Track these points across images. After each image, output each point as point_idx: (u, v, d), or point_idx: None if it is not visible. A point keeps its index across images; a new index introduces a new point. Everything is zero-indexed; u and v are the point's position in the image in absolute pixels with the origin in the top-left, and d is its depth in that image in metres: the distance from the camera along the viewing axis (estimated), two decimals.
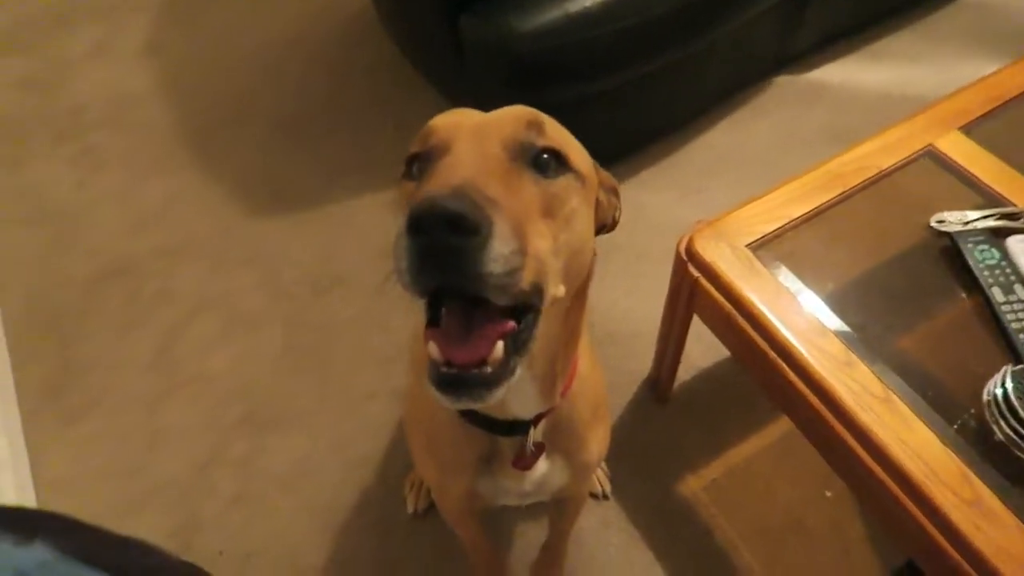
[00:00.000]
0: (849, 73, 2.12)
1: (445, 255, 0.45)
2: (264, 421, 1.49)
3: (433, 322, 0.54)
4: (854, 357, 0.95)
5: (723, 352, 1.39)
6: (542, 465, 0.80)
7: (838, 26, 2.14)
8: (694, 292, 1.10)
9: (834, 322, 0.99)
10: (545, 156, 0.56)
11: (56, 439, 1.49)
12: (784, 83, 2.10)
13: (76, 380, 1.59)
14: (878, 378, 0.93)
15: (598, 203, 0.66)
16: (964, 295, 1.03)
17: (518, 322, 0.53)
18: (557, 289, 0.56)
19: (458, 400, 0.51)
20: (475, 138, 0.56)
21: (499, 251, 0.46)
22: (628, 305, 1.61)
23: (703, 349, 1.51)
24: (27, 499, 1.38)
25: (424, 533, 1.31)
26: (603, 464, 1.35)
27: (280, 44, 2.37)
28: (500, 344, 0.52)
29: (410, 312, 1.65)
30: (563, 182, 0.57)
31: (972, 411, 0.93)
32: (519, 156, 0.56)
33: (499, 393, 0.52)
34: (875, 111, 1.99)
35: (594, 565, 1.26)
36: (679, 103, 1.92)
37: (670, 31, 1.62)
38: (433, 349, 0.52)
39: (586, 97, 1.65)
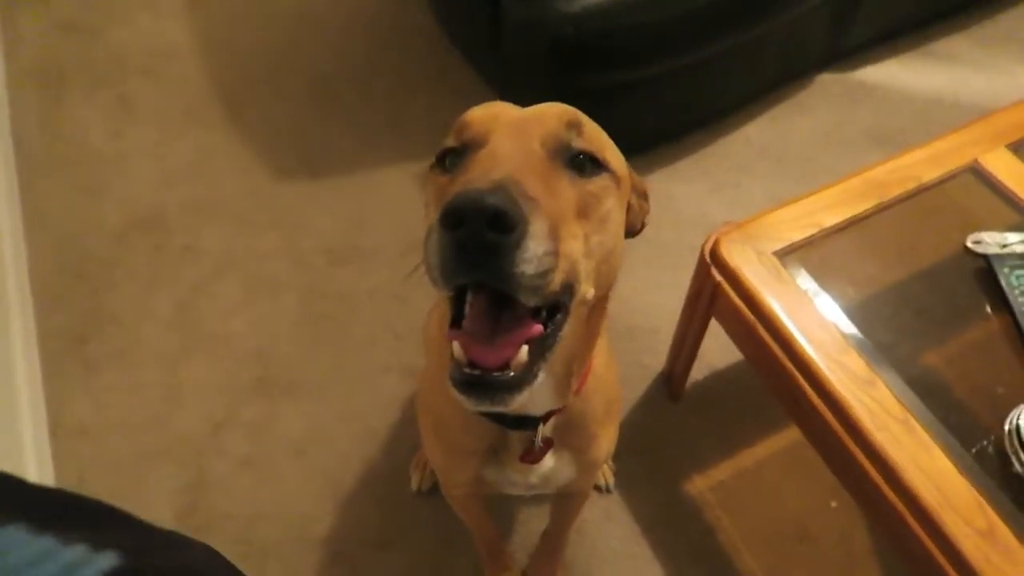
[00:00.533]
0: (899, 74, 2.04)
1: (479, 251, 0.44)
2: (278, 386, 1.50)
3: (457, 320, 0.53)
4: (875, 375, 0.93)
5: (740, 354, 1.38)
6: (549, 460, 0.80)
7: (892, 23, 2.06)
8: (715, 296, 1.08)
9: (858, 338, 0.97)
10: (582, 157, 0.56)
11: (77, 386, 1.52)
12: (830, 80, 2.04)
13: (100, 329, 1.62)
14: (898, 399, 0.91)
15: (629, 206, 0.66)
16: (995, 319, 1.00)
17: (545, 324, 0.52)
18: (587, 291, 0.55)
19: (479, 402, 0.51)
20: (514, 133, 0.55)
21: (534, 251, 0.45)
22: (649, 299, 1.59)
23: (720, 348, 1.49)
24: (42, 444, 1.41)
25: (427, 511, 1.32)
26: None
27: (322, 3, 2.35)
28: (525, 348, 0.51)
29: (429, 290, 1.65)
30: (599, 183, 0.56)
31: (992, 438, 0.91)
32: (557, 155, 0.55)
33: (521, 398, 0.51)
34: (923, 116, 1.93)
35: (594, 556, 1.26)
36: (720, 94, 1.87)
37: (719, 21, 1.57)
38: (457, 349, 0.51)
39: (626, 83, 1.62)
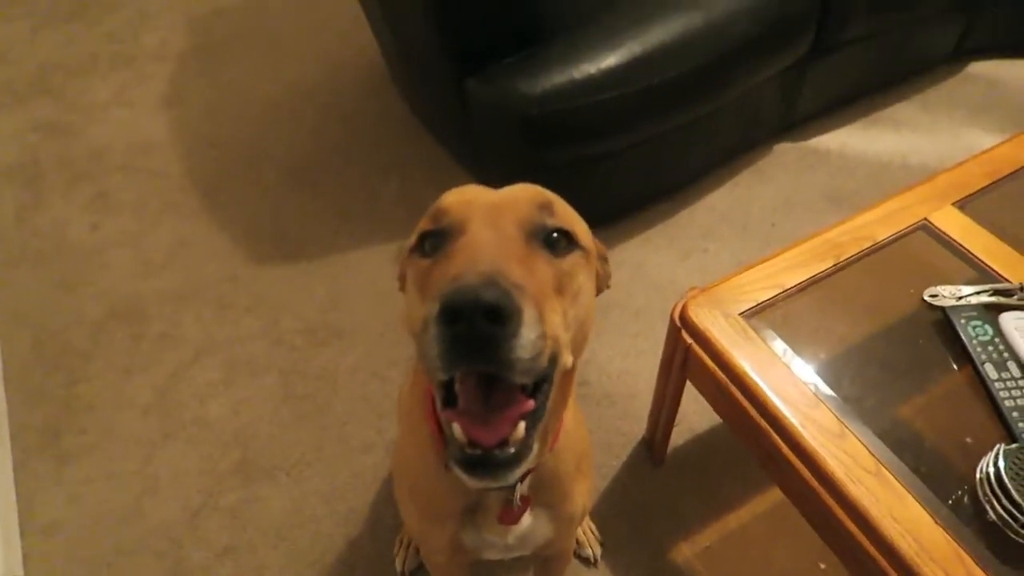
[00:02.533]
0: (850, 140, 2.15)
1: (477, 342, 0.47)
2: (259, 469, 1.49)
3: (448, 400, 0.55)
4: (846, 429, 0.95)
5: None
6: (526, 519, 0.81)
7: (839, 92, 2.18)
8: (688, 358, 1.10)
9: (827, 393, 0.99)
10: (556, 235, 0.59)
11: (51, 481, 1.49)
12: (786, 148, 2.14)
13: (75, 421, 1.60)
14: (869, 451, 0.93)
15: (597, 273, 0.69)
16: (957, 369, 1.03)
17: (534, 396, 0.55)
18: (568, 360, 0.58)
19: (482, 480, 0.53)
20: (491, 219, 0.58)
21: (528, 338, 0.48)
22: (624, 366, 1.62)
23: (699, 411, 1.51)
24: (12, 544, 1.37)
25: None
26: (593, 527, 1.34)
27: (295, 94, 2.44)
28: (522, 425, 0.54)
29: (406, 366, 1.66)
30: (572, 260, 0.60)
31: (966, 487, 0.92)
32: (533, 236, 0.58)
33: (520, 471, 0.54)
34: (875, 177, 2.02)
35: None
36: (683, 165, 1.96)
37: (675, 97, 1.66)
38: (457, 431, 0.53)
39: (592, 157, 1.69)
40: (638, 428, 1.51)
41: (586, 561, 1.31)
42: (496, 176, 1.89)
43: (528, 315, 0.48)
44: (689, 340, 1.08)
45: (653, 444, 1.42)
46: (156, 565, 1.36)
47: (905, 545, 0.85)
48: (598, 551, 1.31)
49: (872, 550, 0.87)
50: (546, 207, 0.60)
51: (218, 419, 1.58)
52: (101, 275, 1.94)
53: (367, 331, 1.74)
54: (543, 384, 0.56)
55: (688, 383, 1.20)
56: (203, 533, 1.39)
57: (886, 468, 0.91)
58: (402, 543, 1.32)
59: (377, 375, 1.64)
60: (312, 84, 2.48)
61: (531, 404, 0.54)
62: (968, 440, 0.97)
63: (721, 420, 1.49)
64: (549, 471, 0.79)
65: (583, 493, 0.87)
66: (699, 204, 2.00)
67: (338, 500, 1.43)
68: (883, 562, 0.86)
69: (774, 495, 1.40)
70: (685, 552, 1.33)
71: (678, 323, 1.11)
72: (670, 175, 1.97)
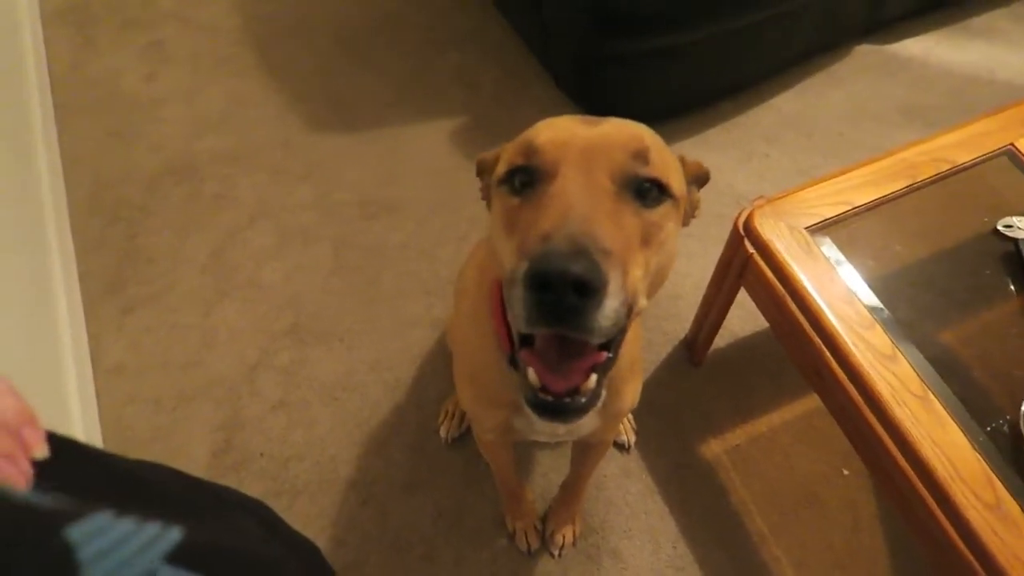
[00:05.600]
0: (937, 47, 2.03)
1: (562, 310, 0.48)
2: (311, 333, 1.55)
3: (526, 341, 0.57)
4: (898, 352, 0.96)
5: (762, 323, 1.41)
6: None
7: None
8: (746, 267, 1.11)
9: (882, 314, 1.00)
10: (648, 184, 0.58)
11: (116, 327, 1.58)
12: (865, 52, 2.02)
13: (137, 272, 1.66)
14: (918, 375, 0.94)
15: (684, 210, 0.68)
16: (1018, 302, 1.03)
17: (607, 347, 0.57)
18: (642, 304, 0.58)
19: (551, 422, 0.56)
20: (584, 164, 0.57)
21: (611, 306, 0.49)
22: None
23: (743, 317, 1.53)
24: (86, 384, 1.47)
25: (453, 458, 1.38)
26: (630, 417, 1.40)
27: None
28: (593, 376, 0.56)
29: (457, 247, 1.68)
30: (662, 210, 0.59)
31: (1008, 417, 0.94)
32: (625, 187, 0.57)
33: (582, 420, 0.57)
34: (958, 94, 1.92)
35: (611, 509, 1.32)
36: (753, 63, 1.87)
37: None
38: (532, 375, 0.56)
39: (661, 49, 1.62)
40: (679, 328, 1.53)
41: (620, 447, 1.38)
42: (559, 61, 1.83)
43: (613, 285, 0.49)
44: (751, 250, 1.08)
45: (694, 345, 1.45)
46: (215, 412, 1.46)
47: (939, 466, 0.88)
48: (633, 439, 1.37)
49: (907, 468, 0.90)
50: (641, 155, 0.58)
51: (271, 283, 1.64)
52: (156, 129, 1.95)
53: (418, 208, 1.75)
54: (617, 335, 0.57)
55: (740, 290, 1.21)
56: (259, 387, 1.48)
57: (933, 393, 0.93)
58: (447, 413, 1.40)
59: (426, 253, 1.67)
60: None
61: (604, 356, 0.57)
62: (1017, 374, 0.98)
63: (763, 328, 1.53)
64: None
65: (633, 391, 0.91)
66: (764, 106, 1.93)
67: (385, 369, 1.50)
68: (915, 479, 0.90)
69: (804, 405, 1.44)
70: (714, 448, 1.39)
71: (741, 231, 1.10)
72: (738, 74, 1.88)
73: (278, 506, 1.33)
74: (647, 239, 0.57)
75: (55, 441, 0.50)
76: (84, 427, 1.39)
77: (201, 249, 1.70)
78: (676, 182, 0.62)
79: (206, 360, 1.53)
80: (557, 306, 0.48)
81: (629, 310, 0.54)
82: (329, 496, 1.35)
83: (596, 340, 0.51)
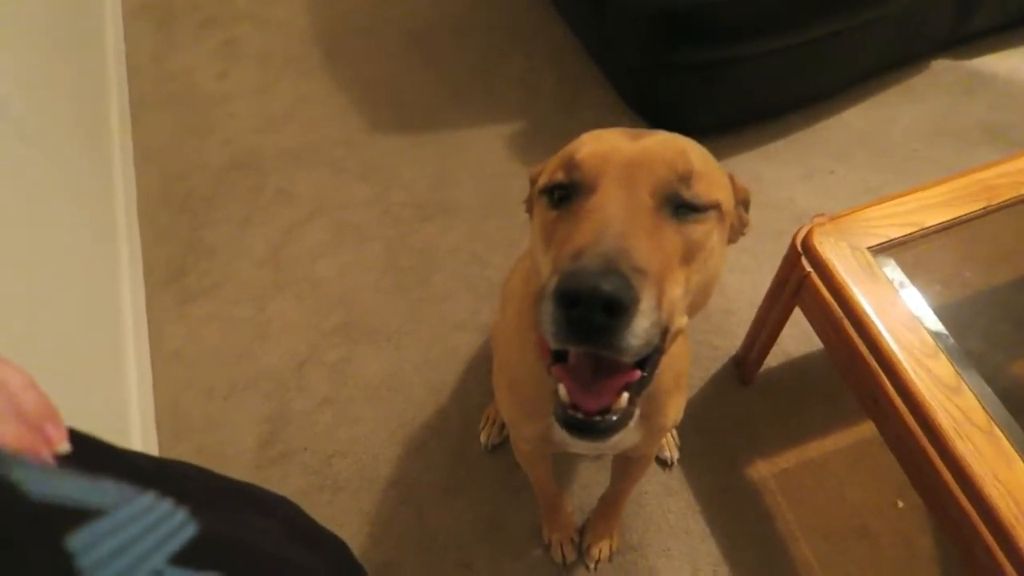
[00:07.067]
0: (1021, 66, 1.92)
1: (591, 327, 0.47)
2: (360, 331, 1.57)
3: (560, 356, 0.56)
4: (963, 383, 0.91)
5: (817, 344, 1.36)
6: None
7: (1022, 9, 1.93)
8: (802, 286, 1.07)
9: (948, 342, 0.95)
10: (690, 201, 0.56)
11: (176, 315, 1.63)
12: (943, 67, 1.93)
13: (198, 263, 1.72)
14: (984, 408, 0.89)
15: (731, 227, 0.66)
16: None
17: (642, 366, 0.55)
18: (681, 323, 0.57)
19: (580, 440, 0.55)
20: (625, 180, 0.56)
21: (642, 326, 0.48)
22: (727, 280, 1.58)
23: (797, 337, 1.48)
24: (144, 367, 1.53)
25: (493, 465, 1.37)
26: (674, 433, 1.36)
27: None
28: (625, 395, 0.55)
29: (508, 252, 1.67)
30: (705, 228, 0.57)
31: None
32: (666, 203, 0.56)
33: (619, 436, 0.55)
34: None
35: (650, 527, 1.29)
36: (824, 76, 1.81)
37: (832, 1, 1.51)
38: (562, 391, 0.55)
39: (726, 59, 1.58)
40: (729, 344, 1.49)
41: (662, 463, 1.35)
42: (621, 70, 1.81)
43: (645, 304, 0.48)
44: (808, 268, 1.04)
45: (745, 363, 1.41)
46: (264, 404, 1.49)
47: (1004, 506, 0.83)
48: (676, 455, 1.34)
49: (968, 506, 0.85)
50: (685, 170, 0.56)
51: (325, 279, 1.67)
52: (226, 124, 2.01)
53: (471, 212, 1.76)
54: (653, 355, 0.56)
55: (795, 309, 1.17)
56: (306, 382, 1.51)
57: (999, 427, 0.88)
58: (488, 419, 1.39)
59: (477, 257, 1.67)
60: None
61: (637, 374, 0.55)
62: None
63: (817, 349, 1.47)
64: None
65: (677, 407, 0.88)
66: (834, 120, 1.86)
67: (431, 371, 1.50)
68: (977, 519, 0.85)
69: (859, 432, 1.38)
70: (761, 471, 1.34)
71: (799, 249, 1.06)
72: (807, 86, 1.82)
73: (319, 501, 1.35)
74: (688, 257, 0.55)
75: (76, 437, 0.50)
76: (140, 410, 1.44)
77: (260, 243, 1.74)
78: (722, 198, 0.60)
79: (258, 352, 1.56)
80: (586, 323, 0.47)
81: (665, 330, 0.53)
82: (369, 494, 1.36)
83: (627, 359, 0.50)
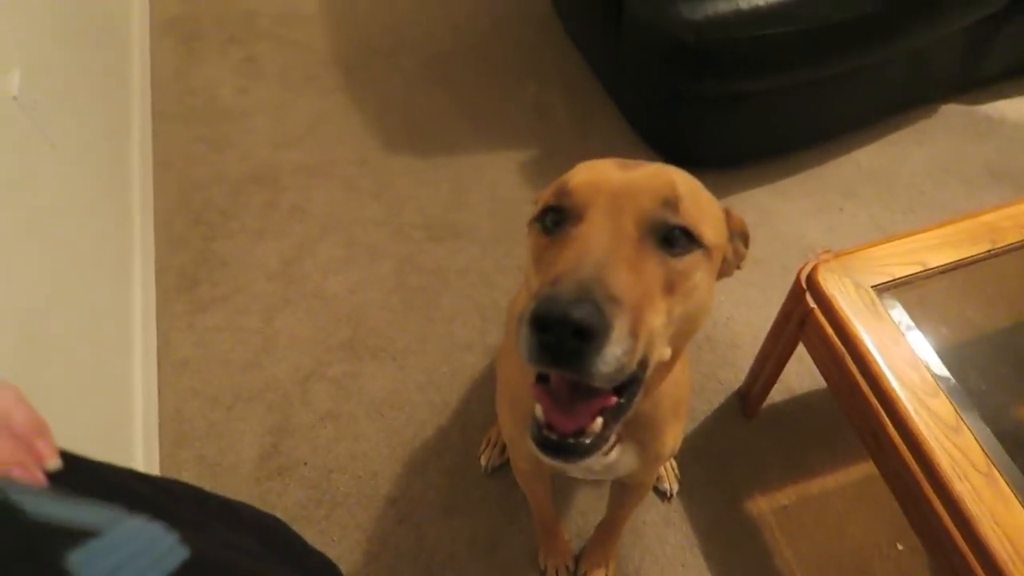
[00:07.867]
0: None
1: (563, 351, 0.49)
2: (366, 348, 1.59)
3: (542, 377, 0.58)
4: (963, 423, 0.91)
5: (821, 381, 1.36)
6: (615, 451, 0.83)
7: None
8: (806, 322, 1.07)
9: (949, 383, 0.95)
10: (676, 232, 0.57)
11: (185, 324, 1.65)
12: (954, 111, 1.95)
13: (211, 273, 1.74)
14: (983, 450, 0.89)
15: (724, 260, 0.67)
16: None
17: (620, 392, 0.57)
18: (663, 355, 0.58)
19: (553, 460, 0.57)
20: (611, 210, 0.57)
21: (612, 354, 0.49)
22: (733, 313, 1.59)
23: (801, 373, 1.48)
24: (150, 375, 1.54)
25: (493, 488, 1.37)
26: (674, 464, 1.36)
27: None
28: (599, 420, 0.56)
29: (516, 275, 1.69)
30: (690, 260, 0.58)
31: None
32: (651, 233, 0.57)
33: (592, 459, 0.57)
34: None
35: (647, 558, 1.29)
36: (836, 114, 1.83)
37: (850, 39, 1.54)
38: (539, 411, 0.57)
39: (740, 94, 1.61)
40: (734, 378, 1.50)
41: (662, 494, 1.34)
42: (635, 102, 1.83)
43: (617, 333, 0.49)
44: (812, 304, 1.05)
45: (748, 397, 1.41)
46: (266, 416, 1.50)
47: (1000, 548, 0.83)
48: (675, 487, 1.34)
49: (964, 548, 0.85)
50: (671, 202, 0.57)
51: (335, 295, 1.68)
52: (244, 139, 2.05)
53: (482, 234, 1.78)
54: (631, 384, 0.57)
55: (799, 345, 1.17)
56: (310, 397, 1.52)
57: (998, 469, 0.88)
58: (489, 442, 1.40)
59: (486, 279, 1.69)
60: None
61: (613, 400, 0.56)
62: None
63: (822, 387, 1.47)
64: (646, 413, 0.80)
65: (674, 436, 0.89)
66: (844, 158, 1.88)
67: (434, 391, 1.51)
68: (974, 560, 0.84)
69: (861, 469, 1.38)
70: (761, 506, 1.34)
71: (803, 285, 1.07)
72: (819, 124, 1.85)
73: (317, 515, 1.35)
74: (671, 287, 0.56)
75: (67, 458, 0.51)
76: (144, 415, 1.45)
77: (273, 256, 1.77)
78: (710, 231, 0.60)
79: (264, 364, 1.58)
80: (557, 348, 0.48)
81: (644, 359, 0.54)
82: (367, 511, 1.36)
83: (597, 384, 0.51)
